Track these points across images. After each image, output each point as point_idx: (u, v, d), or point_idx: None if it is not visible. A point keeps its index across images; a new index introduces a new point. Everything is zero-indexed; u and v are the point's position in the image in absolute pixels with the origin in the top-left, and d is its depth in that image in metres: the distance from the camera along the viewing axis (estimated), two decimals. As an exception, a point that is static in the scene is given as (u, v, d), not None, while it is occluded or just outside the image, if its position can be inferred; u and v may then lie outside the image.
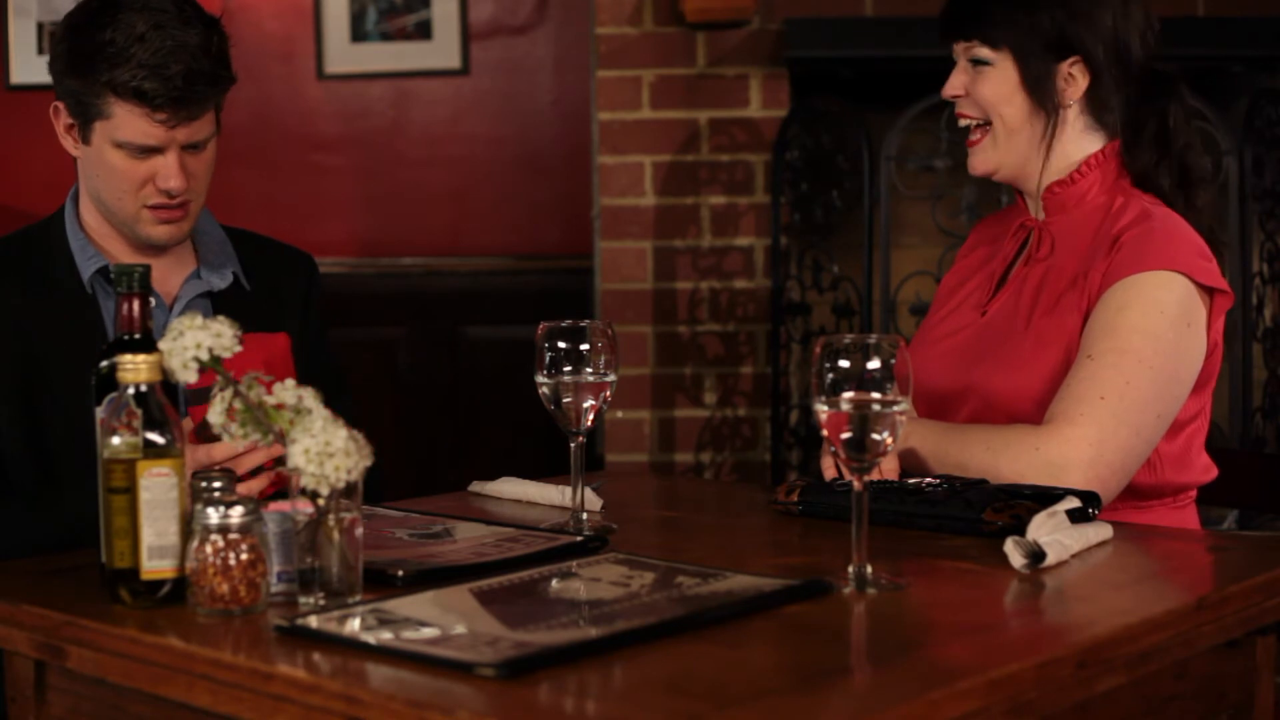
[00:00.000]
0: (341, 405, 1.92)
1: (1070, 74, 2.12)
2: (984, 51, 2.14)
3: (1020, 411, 2.04)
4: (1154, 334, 1.98)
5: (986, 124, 2.16)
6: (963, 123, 2.20)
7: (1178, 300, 2.00)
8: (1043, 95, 2.12)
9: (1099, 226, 2.10)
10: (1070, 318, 2.05)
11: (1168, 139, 2.15)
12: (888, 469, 2.00)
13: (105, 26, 2.01)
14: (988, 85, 2.14)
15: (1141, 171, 2.15)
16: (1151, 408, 1.97)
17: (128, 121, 2.03)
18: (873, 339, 1.54)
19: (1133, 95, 2.15)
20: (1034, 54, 2.12)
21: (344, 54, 4.79)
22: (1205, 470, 2.12)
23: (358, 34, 4.78)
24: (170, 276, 2.18)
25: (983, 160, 2.18)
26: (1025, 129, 2.14)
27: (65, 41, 2.06)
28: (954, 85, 2.18)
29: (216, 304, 2.17)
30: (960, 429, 2.04)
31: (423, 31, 4.77)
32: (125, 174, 2.07)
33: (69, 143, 2.12)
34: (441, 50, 4.77)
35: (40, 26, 4.78)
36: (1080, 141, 2.15)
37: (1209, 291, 2.03)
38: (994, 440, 1.97)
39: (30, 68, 4.77)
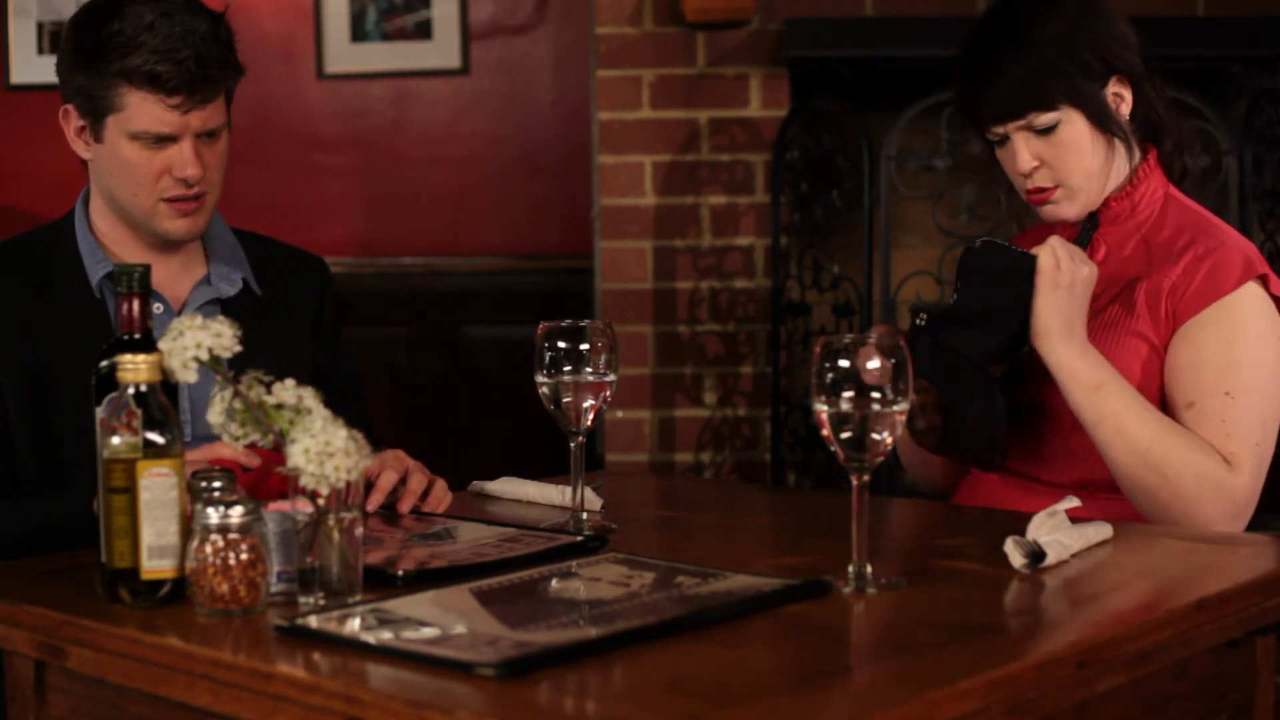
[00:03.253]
0: (355, 411, 1.92)
1: (1117, 93, 2.11)
2: (1047, 118, 2.08)
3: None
4: (1267, 365, 2.02)
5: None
6: (1039, 194, 2.13)
7: (1270, 319, 2.04)
8: (1110, 125, 2.10)
9: (1144, 228, 2.13)
10: (1136, 317, 2.07)
11: (1174, 121, 2.17)
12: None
13: (112, 20, 2.02)
14: (1065, 148, 2.09)
15: (1170, 162, 2.17)
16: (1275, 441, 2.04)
17: (142, 110, 2.02)
18: (872, 338, 1.54)
19: (1148, 92, 2.15)
20: (1090, 92, 2.09)
21: (344, 54, 4.79)
22: None
23: (358, 34, 4.78)
24: (180, 281, 2.17)
25: (1066, 210, 2.13)
26: (1105, 166, 2.12)
27: (73, 39, 2.06)
28: (1027, 159, 2.10)
29: (227, 309, 2.14)
30: (1156, 417, 2.00)
31: (423, 31, 4.77)
32: (140, 167, 2.05)
33: (80, 146, 2.11)
34: (441, 50, 4.77)
35: (40, 26, 4.78)
36: (1125, 152, 2.14)
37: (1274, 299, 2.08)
38: (1189, 454, 1.96)
39: (30, 68, 4.77)
